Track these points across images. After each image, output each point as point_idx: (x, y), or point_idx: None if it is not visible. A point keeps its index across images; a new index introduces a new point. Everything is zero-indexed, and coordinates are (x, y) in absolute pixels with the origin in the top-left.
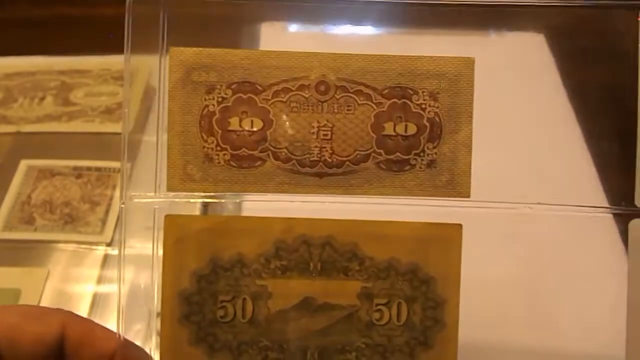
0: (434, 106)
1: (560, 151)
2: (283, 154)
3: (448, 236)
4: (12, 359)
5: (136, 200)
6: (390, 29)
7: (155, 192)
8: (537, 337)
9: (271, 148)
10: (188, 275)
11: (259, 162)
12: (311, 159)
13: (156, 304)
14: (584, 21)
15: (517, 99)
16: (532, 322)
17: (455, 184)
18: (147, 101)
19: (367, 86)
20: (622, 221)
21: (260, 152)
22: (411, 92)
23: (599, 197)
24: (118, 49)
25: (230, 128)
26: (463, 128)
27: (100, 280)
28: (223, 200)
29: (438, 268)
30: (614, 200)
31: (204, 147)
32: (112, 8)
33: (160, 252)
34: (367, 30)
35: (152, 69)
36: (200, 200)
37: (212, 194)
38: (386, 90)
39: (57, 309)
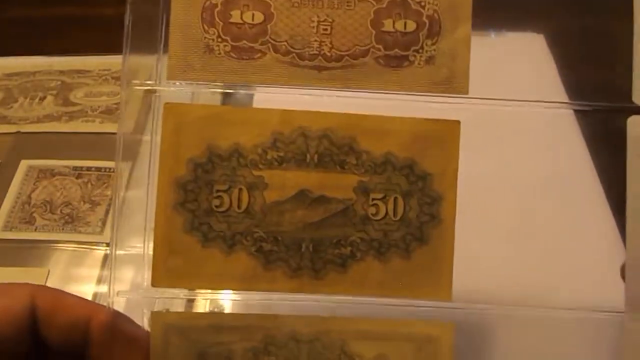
0: (433, 3)
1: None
2: (283, 47)
3: (446, 132)
4: None
5: (136, 87)
6: None
7: (155, 80)
8: (532, 236)
9: (271, 41)
10: (184, 162)
11: (258, 55)
12: (310, 52)
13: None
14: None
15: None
16: (526, 219)
17: (454, 81)
18: (147, 101)
19: None
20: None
21: (261, 44)
22: None
23: None
24: (118, 49)
25: (231, 20)
26: (462, 26)
27: (100, 280)
28: (222, 90)
29: (435, 164)
30: None
31: (205, 38)
32: (112, 8)
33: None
34: None
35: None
36: (200, 90)
37: (211, 83)
38: None
39: (25, 283)
